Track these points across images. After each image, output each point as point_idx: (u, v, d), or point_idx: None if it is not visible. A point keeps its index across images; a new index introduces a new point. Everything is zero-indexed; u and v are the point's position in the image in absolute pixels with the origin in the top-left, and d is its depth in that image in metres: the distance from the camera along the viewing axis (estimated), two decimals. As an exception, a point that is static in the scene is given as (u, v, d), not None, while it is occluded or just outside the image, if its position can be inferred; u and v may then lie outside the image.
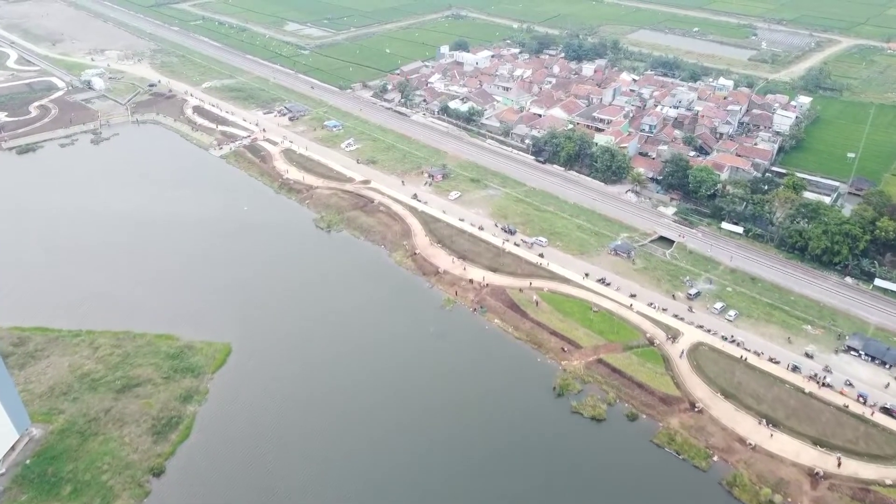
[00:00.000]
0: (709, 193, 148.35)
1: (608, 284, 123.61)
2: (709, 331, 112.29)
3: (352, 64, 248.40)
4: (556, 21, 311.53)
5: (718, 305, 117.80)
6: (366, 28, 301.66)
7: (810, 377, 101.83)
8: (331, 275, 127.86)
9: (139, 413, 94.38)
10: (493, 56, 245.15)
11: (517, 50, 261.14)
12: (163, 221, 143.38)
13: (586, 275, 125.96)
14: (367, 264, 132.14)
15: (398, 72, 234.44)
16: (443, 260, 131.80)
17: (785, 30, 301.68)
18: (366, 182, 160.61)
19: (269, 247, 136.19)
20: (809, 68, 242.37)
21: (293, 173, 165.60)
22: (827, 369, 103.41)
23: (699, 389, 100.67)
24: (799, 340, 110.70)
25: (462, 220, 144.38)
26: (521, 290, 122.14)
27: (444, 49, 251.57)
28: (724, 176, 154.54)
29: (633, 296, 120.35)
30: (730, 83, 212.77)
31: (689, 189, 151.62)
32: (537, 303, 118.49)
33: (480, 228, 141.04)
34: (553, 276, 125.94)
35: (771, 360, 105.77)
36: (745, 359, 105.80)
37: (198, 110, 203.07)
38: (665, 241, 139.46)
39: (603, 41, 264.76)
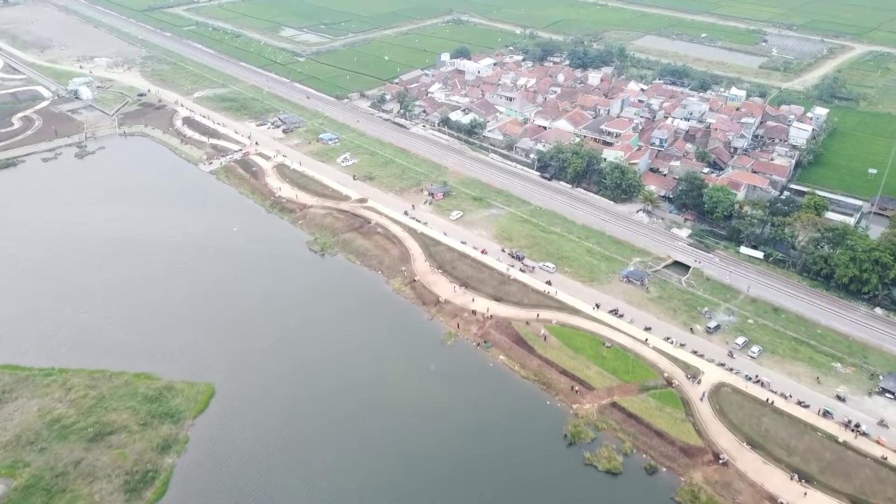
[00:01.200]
0: (725, 214, 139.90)
1: (621, 316, 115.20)
2: (731, 369, 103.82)
3: (349, 72, 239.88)
4: (560, 26, 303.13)
5: (740, 340, 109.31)
6: (363, 34, 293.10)
7: (844, 424, 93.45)
8: (324, 305, 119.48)
9: (112, 466, 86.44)
10: (495, 64, 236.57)
11: (520, 57, 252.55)
12: (146, 245, 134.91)
13: (597, 305, 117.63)
14: (363, 293, 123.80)
15: (397, 81, 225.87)
16: (444, 288, 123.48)
17: (795, 35, 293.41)
18: (362, 200, 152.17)
19: (259, 273, 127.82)
20: (823, 76, 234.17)
21: (286, 191, 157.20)
22: (882, 423, 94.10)
23: (723, 438, 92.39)
24: (829, 380, 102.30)
25: (464, 242, 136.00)
26: (527, 322, 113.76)
27: (445, 56, 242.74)
28: (740, 195, 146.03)
29: (647, 329, 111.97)
30: (742, 93, 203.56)
31: (704, 209, 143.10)
32: (545, 337, 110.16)
33: (484, 252, 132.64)
34: (562, 307, 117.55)
35: (800, 403, 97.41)
36: (772, 402, 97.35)
37: (188, 122, 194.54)
38: (680, 266, 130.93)
39: (609, 48, 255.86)
